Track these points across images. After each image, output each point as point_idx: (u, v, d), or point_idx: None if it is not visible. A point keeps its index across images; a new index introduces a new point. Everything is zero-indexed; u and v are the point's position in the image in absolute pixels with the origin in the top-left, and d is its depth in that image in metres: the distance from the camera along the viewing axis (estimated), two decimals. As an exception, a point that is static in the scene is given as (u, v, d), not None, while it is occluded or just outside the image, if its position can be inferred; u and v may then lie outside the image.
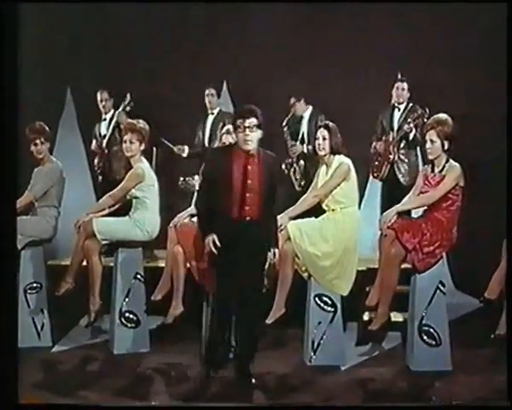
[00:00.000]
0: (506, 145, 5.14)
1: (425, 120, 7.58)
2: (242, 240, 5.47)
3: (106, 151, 8.49)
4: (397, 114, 8.18)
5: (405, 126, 7.92)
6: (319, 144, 6.24)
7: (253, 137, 5.42)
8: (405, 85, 8.15)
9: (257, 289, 5.59)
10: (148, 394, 5.58)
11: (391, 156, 8.03)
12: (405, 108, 8.13)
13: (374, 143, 8.18)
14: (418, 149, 8.13)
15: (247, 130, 5.39)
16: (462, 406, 5.30)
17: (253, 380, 5.61)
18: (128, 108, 8.25)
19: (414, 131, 7.90)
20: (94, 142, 8.66)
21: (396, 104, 8.20)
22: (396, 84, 8.17)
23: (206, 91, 8.57)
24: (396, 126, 8.11)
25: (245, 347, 5.70)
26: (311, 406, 5.38)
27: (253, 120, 5.40)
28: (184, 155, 8.46)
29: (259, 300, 5.66)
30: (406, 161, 8.05)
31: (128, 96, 8.25)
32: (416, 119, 7.85)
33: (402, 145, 8.03)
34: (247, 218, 5.47)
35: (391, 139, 8.06)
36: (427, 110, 7.72)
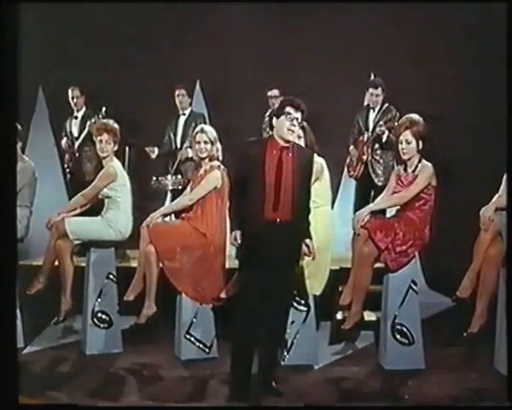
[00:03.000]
0: (506, 145, 5.15)
1: (396, 123, 7.63)
2: (272, 244, 5.16)
3: (77, 151, 8.44)
4: (372, 115, 8.23)
5: (377, 129, 7.95)
6: (294, 144, 6.23)
7: (295, 130, 5.25)
8: (379, 91, 8.13)
9: (286, 297, 5.46)
10: (121, 394, 5.54)
11: (364, 157, 8.10)
12: (380, 109, 8.16)
13: (350, 143, 8.23)
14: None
15: (295, 121, 5.19)
16: (462, 406, 5.32)
17: (274, 384, 5.44)
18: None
19: (387, 132, 7.91)
20: (64, 140, 8.61)
21: (371, 106, 8.22)
22: (370, 90, 8.18)
23: (177, 92, 8.53)
24: (371, 127, 8.15)
25: (271, 352, 5.49)
26: (311, 406, 5.37)
27: (300, 116, 5.22)
28: (153, 156, 8.42)
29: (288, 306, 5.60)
30: (381, 161, 8.11)
31: (103, 108, 8.04)
32: (388, 121, 7.90)
33: (376, 147, 8.07)
34: (278, 220, 5.18)
35: (365, 140, 8.10)
36: (399, 113, 7.76)
